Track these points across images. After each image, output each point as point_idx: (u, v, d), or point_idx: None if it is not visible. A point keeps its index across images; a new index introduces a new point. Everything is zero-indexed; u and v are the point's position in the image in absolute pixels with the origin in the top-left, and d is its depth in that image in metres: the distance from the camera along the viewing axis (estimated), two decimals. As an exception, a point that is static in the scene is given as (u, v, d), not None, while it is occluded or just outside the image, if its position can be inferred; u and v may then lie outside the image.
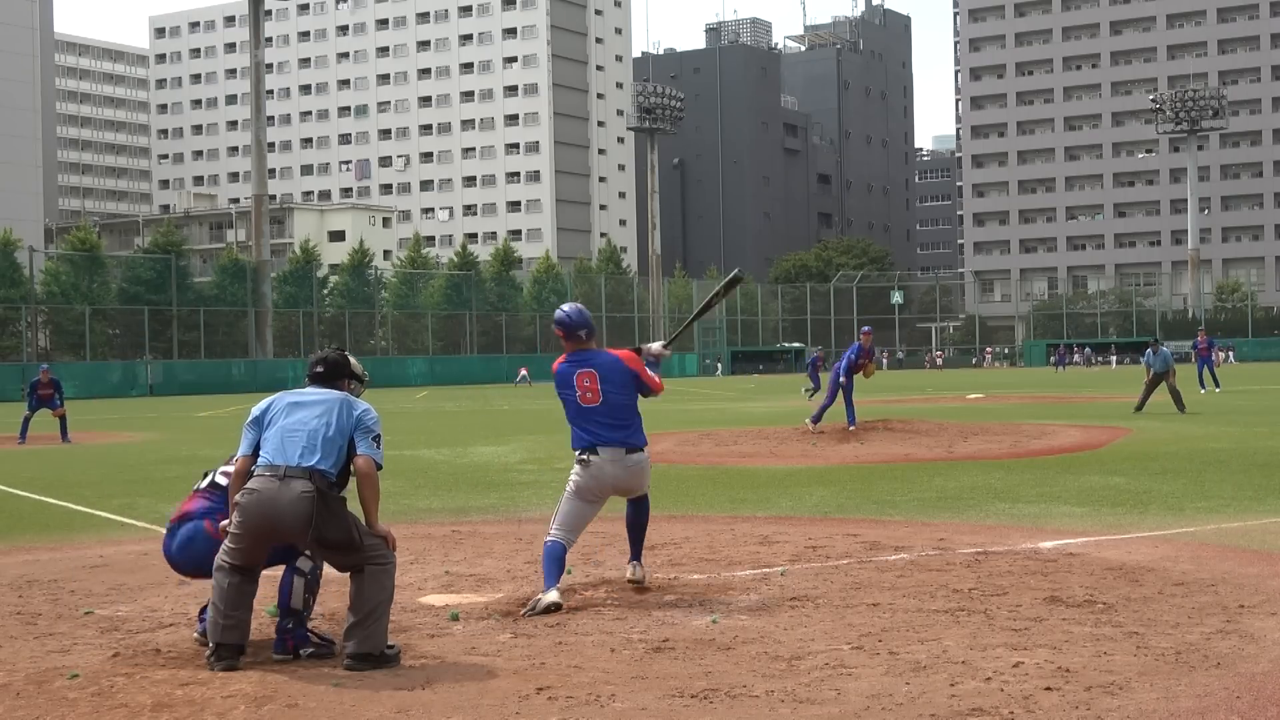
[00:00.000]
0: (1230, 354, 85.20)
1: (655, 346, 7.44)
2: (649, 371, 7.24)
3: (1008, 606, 6.53)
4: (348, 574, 5.76)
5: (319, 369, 6.05)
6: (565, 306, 7.23)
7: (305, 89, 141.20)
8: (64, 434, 24.16)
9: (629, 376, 7.14)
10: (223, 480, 6.10)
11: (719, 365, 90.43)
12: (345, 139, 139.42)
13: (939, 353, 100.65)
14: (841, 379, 19.69)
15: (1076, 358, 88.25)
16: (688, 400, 39.18)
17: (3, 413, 39.45)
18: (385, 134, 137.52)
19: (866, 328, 20.91)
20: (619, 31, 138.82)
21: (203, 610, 6.11)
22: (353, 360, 6.21)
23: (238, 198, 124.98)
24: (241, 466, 5.81)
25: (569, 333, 7.15)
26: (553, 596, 6.69)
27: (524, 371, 67.17)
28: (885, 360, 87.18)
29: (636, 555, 7.43)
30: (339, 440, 5.75)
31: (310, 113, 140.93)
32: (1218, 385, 33.94)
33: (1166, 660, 5.37)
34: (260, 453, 5.78)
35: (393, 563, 5.76)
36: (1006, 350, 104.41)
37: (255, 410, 5.94)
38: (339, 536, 5.61)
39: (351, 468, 5.83)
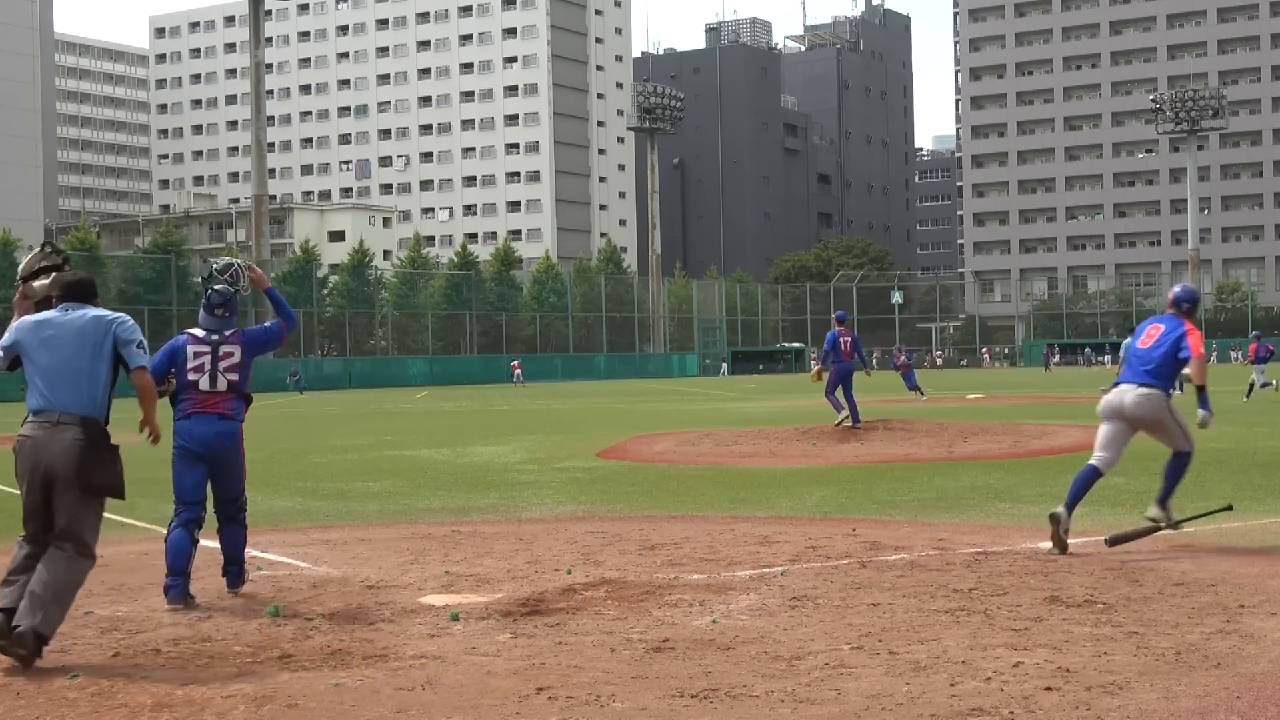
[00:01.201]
0: (1239, 353, 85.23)
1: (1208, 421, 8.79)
2: (1200, 347, 8.47)
3: (1008, 606, 6.53)
4: (50, 550, 5.70)
5: (72, 293, 5.97)
6: (1177, 285, 9.00)
7: (305, 89, 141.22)
8: None
9: (1178, 336, 8.47)
10: (233, 377, 7.22)
11: (724, 365, 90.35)
12: (345, 139, 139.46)
13: (939, 353, 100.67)
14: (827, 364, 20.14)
15: (1057, 358, 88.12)
16: (688, 400, 39.19)
17: (2, 413, 39.43)
18: (385, 134, 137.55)
19: (838, 312, 21.02)
20: (619, 31, 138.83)
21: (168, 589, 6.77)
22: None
23: (238, 198, 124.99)
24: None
25: (1174, 301, 8.81)
26: (1058, 511, 8.27)
27: (518, 370, 66.95)
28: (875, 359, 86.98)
29: (1160, 498, 8.70)
30: (104, 367, 5.80)
31: (310, 113, 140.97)
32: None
33: (1166, 660, 5.37)
34: (28, 394, 5.80)
35: (92, 560, 5.78)
36: (1006, 350, 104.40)
37: (4, 340, 5.91)
38: (105, 482, 5.71)
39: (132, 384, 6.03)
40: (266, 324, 7.44)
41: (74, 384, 5.71)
